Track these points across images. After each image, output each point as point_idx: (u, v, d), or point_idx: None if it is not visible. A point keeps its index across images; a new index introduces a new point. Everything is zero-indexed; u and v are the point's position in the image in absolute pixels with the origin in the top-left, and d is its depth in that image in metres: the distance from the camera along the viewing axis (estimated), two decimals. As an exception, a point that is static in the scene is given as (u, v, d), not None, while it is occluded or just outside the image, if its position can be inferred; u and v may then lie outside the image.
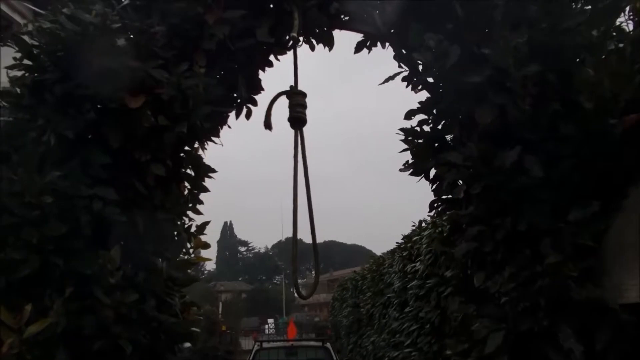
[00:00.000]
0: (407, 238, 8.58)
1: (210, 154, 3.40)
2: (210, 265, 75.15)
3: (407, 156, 3.37)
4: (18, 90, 2.82)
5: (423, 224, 7.86)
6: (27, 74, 2.82)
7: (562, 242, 2.36)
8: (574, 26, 2.48)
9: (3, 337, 2.28)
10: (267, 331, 31.85)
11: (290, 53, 3.56)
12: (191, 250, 3.45)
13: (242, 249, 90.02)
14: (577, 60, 2.53)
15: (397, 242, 9.17)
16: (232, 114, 3.57)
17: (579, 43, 2.48)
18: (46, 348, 2.45)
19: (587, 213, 2.32)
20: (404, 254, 8.36)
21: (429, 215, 7.68)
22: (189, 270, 3.43)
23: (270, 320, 36.01)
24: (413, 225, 8.36)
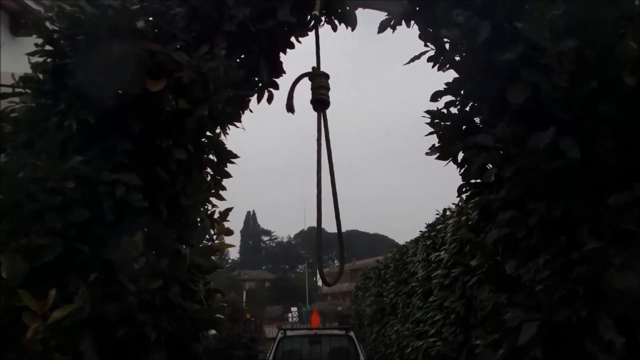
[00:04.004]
0: (431, 227, 8.46)
1: (233, 146, 3.36)
2: (234, 255, 76.23)
3: (433, 140, 3.26)
4: (40, 76, 2.81)
5: (447, 213, 7.72)
6: (48, 60, 2.81)
7: (602, 228, 2.23)
8: (615, -4, 2.32)
9: (28, 323, 2.28)
10: (290, 320, 32.10)
11: (311, 35, 3.47)
12: (214, 237, 3.42)
13: (265, 238, 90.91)
14: (618, 33, 2.37)
15: (420, 231, 9.06)
16: (254, 99, 3.52)
17: (620, 14, 2.32)
18: (71, 334, 2.45)
19: (629, 196, 2.18)
20: (428, 243, 8.24)
21: (453, 204, 7.58)
22: (212, 257, 3.40)
23: (294, 309, 36.24)
24: (437, 214, 8.24)
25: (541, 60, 2.42)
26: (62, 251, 2.48)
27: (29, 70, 2.87)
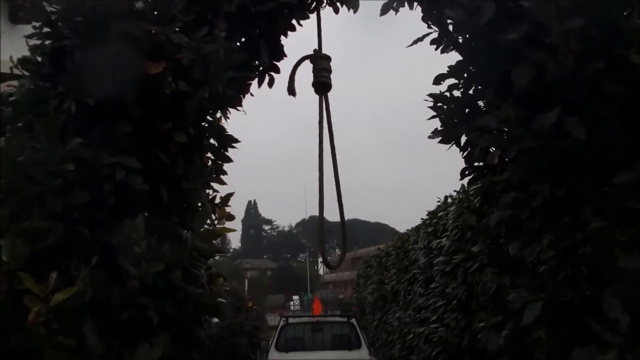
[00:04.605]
0: (432, 214, 8.45)
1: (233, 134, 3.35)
2: (235, 244, 76.57)
3: (436, 124, 3.23)
4: (38, 58, 2.79)
5: (449, 200, 7.71)
6: (46, 42, 2.77)
7: (607, 207, 2.21)
8: (622, -26, 2.28)
9: (29, 306, 2.27)
10: (292, 308, 32.25)
11: (312, 19, 3.43)
12: (216, 222, 3.40)
13: (267, 227, 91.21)
14: (625, 12, 2.33)
15: (422, 219, 9.05)
16: (254, 83, 3.48)
17: (627, -7, 2.29)
18: (73, 317, 2.45)
19: (635, 176, 2.16)
20: (429, 230, 8.25)
21: (455, 191, 7.56)
22: (214, 242, 3.39)
23: (295, 297, 36.42)
24: (438, 201, 8.23)
25: (546, 39, 2.38)
26: (63, 234, 2.46)
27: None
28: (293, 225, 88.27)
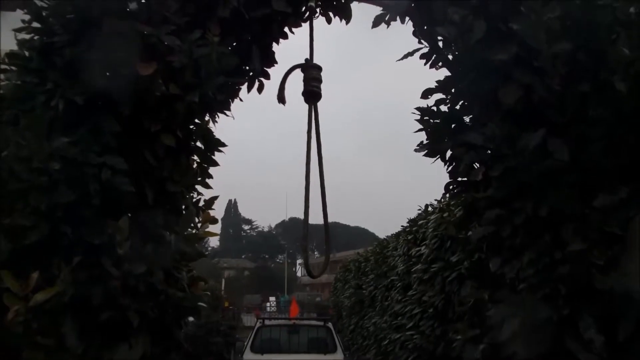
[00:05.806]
0: (412, 222, 8.52)
1: (218, 134, 3.33)
2: (214, 242, 75.86)
3: (419, 134, 3.27)
4: (27, 53, 2.74)
5: (429, 209, 7.79)
6: (36, 37, 2.74)
7: (587, 229, 2.28)
8: (610, 1, 2.35)
9: (9, 304, 2.24)
10: (268, 309, 32.16)
11: (304, 27, 3.45)
12: (199, 225, 3.39)
13: (246, 227, 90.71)
14: (611, 38, 2.41)
15: (402, 226, 9.13)
16: (243, 88, 3.48)
17: (614, 20, 2.36)
18: (53, 317, 2.42)
19: (615, 199, 2.23)
20: (409, 238, 8.31)
21: (435, 200, 7.65)
22: (196, 245, 3.38)
23: (272, 298, 36.33)
24: (419, 209, 8.30)
25: (535, 62, 2.44)
26: (46, 233, 2.43)
27: (13, 47, 2.80)
28: (273, 226, 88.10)
